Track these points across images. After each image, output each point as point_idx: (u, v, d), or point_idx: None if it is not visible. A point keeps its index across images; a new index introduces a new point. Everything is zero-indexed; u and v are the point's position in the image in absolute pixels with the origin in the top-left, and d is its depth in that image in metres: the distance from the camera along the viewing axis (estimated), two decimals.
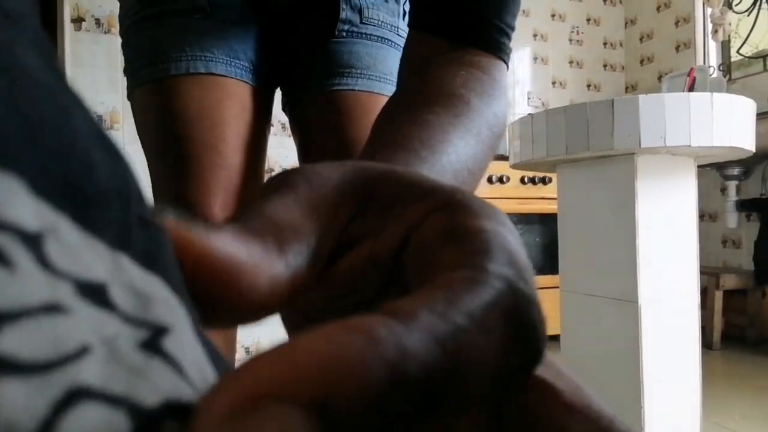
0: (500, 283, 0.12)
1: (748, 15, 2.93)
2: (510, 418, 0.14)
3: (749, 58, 3.02)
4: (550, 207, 2.57)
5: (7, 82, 0.08)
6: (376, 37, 0.74)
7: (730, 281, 2.48)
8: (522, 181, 2.59)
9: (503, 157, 2.58)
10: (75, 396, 0.08)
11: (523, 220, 2.62)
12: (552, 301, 2.55)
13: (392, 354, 0.10)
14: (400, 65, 0.47)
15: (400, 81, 0.46)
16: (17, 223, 0.08)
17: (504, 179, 2.55)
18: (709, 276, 2.48)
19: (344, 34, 0.72)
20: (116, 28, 1.78)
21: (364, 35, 0.73)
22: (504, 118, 0.41)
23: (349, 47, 0.72)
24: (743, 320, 2.58)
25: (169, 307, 0.10)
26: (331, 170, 0.18)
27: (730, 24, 2.84)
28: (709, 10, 2.91)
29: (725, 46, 3.15)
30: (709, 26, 2.96)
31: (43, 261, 0.08)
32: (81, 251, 0.09)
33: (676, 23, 3.34)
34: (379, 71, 0.73)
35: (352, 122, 0.71)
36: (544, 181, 2.62)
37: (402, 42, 0.70)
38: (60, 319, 0.08)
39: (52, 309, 0.08)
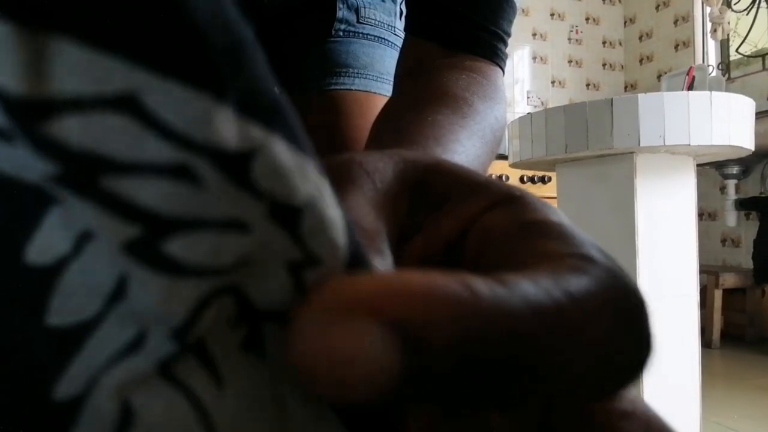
0: (605, 274, 0.11)
1: (747, 14, 2.93)
2: (562, 420, 0.14)
3: (748, 56, 3.02)
4: None
5: (216, 5, 0.08)
6: (373, 37, 0.74)
7: (729, 280, 2.48)
8: (521, 180, 2.59)
9: (503, 156, 2.58)
10: (222, 291, 0.09)
11: None
12: None
13: (488, 304, 0.09)
14: (397, 69, 0.47)
15: (397, 85, 0.46)
16: (216, 143, 0.08)
17: (503, 178, 2.56)
18: (709, 275, 2.48)
19: (341, 33, 0.72)
20: None
21: (361, 35, 0.73)
22: (504, 123, 0.41)
23: (346, 47, 0.72)
24: (742, 319, 2.58)
25: (333, 247, 0.10)
26: (384, 162, 0.17)
27: (729, 23, 2.84)
28: (708, 9, 2.91)
29: (724, 45, 3.15)
30: (708, 25, 2.96)
31: (242, 180, 0.09)
32: (290, 172, 0.09)
33: (675, 22, 3.34)
34: (376, 71, 0.73)
35: (349, 122, 0.71)
36: (543, 180, 2.62)
37: (399, 42, 0.69)
38: (235, 235, 0.09)
39: (233, 225, 0.09)
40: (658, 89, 3.24)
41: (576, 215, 1.54)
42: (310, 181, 0.10)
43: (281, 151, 0.09)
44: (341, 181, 0.17)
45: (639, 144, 1.27)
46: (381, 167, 0.17)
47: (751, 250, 2.58)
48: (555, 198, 1.64)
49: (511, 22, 0.44)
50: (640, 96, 1.26)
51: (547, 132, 1.43)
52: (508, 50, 0.46)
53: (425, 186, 0.17)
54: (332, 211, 0.10)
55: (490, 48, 0.43)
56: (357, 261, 0.11)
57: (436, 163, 0.18)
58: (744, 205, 2.70)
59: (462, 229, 0.16)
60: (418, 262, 0.17)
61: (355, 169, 0.17)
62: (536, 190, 2.61)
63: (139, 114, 0.08)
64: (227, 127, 0.08)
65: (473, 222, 0.16)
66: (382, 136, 0.36)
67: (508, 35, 0.45)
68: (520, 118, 1.54)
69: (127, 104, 0.08)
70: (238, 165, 0.09)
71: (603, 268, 0.12)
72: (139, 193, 0.08)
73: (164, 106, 0.08)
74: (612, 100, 1.29)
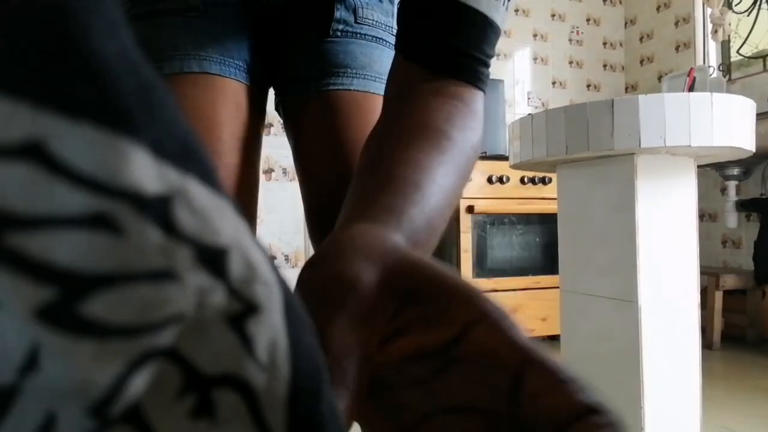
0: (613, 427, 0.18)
1: (748, 15, 2.93)
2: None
3: (749, 58, 3.02)
4: (550, 207, 2.57)
5: (123, 47, 0.08)
6: (370, 37, 0.74)
7: (729, 281, 2.48)
8: (522, 181, 2.59)
9: (503, 157, 2.58)
10: (150, 356, 0.08)
11: (523, 220, 2.62)
12: (552, 301, 2.55)
13: None
14: (386, 87, 0.49)
15: (386, 107, 0.49)
16: (135, 187, 0.08)
17: (504, 179, 2.55)
18: (709, 276, 2.48)
19: (339, 33, 0.73)
20: None
21: (358, 35, 0.73)
22: (479, 149, 0.46)
23: (344, 47, 0.73)
24: (743, 320, 2.58)
25: (268, 286, 0.10)
26: (370, 271, 0.22)
27: (729, 24, 2.84)
28: (708, 10, 2.91)
29: (725, 46, 3.15)
30: (709, 26, 2.95)
31: (167, 224, 0.08)
32: (210, 213, 0.09)
33: (676, 23, 3.34)
34: (374, 71, 0.74)
35: (348, 122, 0.71)
36: (544, 181, 2.62)
37: None
38: (165, 286, 0.08)
39: (162, 275, 0.08)
40: (658, 90, 3.23)
41: (577, 216, 1.53)
42: (230, 222, 0.09)
43: (198, 192, 0.09)
44: (328, 303, 0.21)
45: (639, 145, 1.27)
46: (365, 277, 0.22)
47: (752, 251, 2.58)
48: (555, 199, 1.64)
49: (494, 45, 0.48)
50: (641, 97, 1.26)
51: (548, 133, 1.42)
52: (509, 51, 0.47)
53: (414, 292, 0.22)
54: (256, 251, 0.10)
55: (473, 73, 0.46)
56: (291, 300, 0.10)
57: (423, 271, 0.22)
58: (745, 206, 2.70)
59: (455, 335, 0.21)
60: (414, 354, 0.22)
61: (339, 288, 0.22)
62: (537, 192, 2.61)
63: (46, 162, 0.07)
64: (145, 170, 0.08)
65: (467, 330, 0.21)
66: (370, 177, 0.40)
67: (491, 57, 0.48)
68: (520, 119, 1.54)
69: (33, 152, 0.07)
70: (159, 209, 0.08)
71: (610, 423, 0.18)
72: (51, 251, 0.07)
73: (75, 151, 0.07)
74: (613, 101, 1.29)
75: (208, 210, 0.09)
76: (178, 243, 0.08)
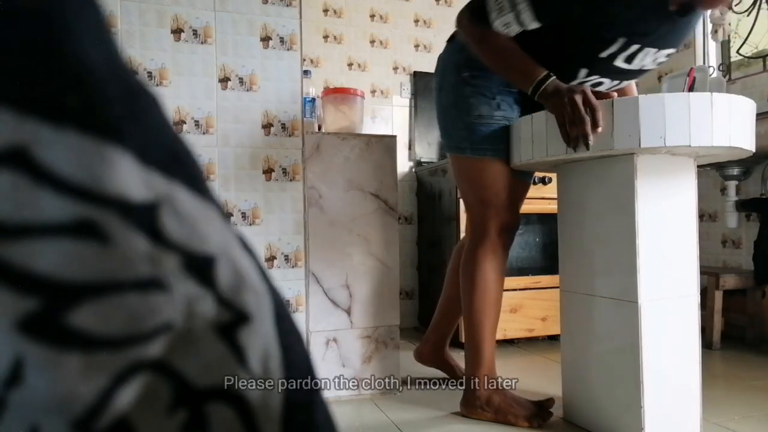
0: None
1: (748, 15, 2.93)
2: None
3: (749, 58, 3.02)
4: (550, 207, 2.56)
5: (109, 53, 0.08)
6: None
7: (729, 281, 2.48)
8: None
9: None
10: (137, 368, 0.08)
11: (523, 220, 2.62)
12: (552, 301, 2.54)
13: None
14: None
15: None
16: (121, 194, 0.07)
17: None
18: (709, 276, 2.48)
19: None
20: (212, 38, 1.78)
21: None
22: None
23: None
24: (743, 320, 2.58)
25: (257, 294, 0.10)
26: None
27: (729, 24, 2.84)
28: (708, 11, 2.91)
29: (725, 46, 3.15)
30: (709, 26, 2.95)
31: (154, 232, 0.08)
32: (197, 220, 0.08)
33: None
34: None
35: None
36: (544, 181, 2.62)
37: None
38: (153, 295, 0.08)
39: (149, 285, 0.08)
40: (658, 90, 3.23)
41: (577, 216, 1.53)
42: (218, 228, 0.09)
43: (185, 198, 0.08)
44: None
45: (640, 145, 1.27)
46: None
47: (752, 251, 2.58)
48: (555, 198, 1.64)
49: None
50: (641, 97, 1.26)
51: (548, 133, 1.42)
52: None
53: None
54: (244, 258, 0.09)
55: None
56: (281, 309, 0.10)
57: None
58: (744, 206, 2.69)
59: None
60: None
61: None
62: (537, 192, 2.61)
63: (30, 168, 0.06)
64: (131, 177, 0.07)
65: None
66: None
67: None
68: (520, 119, 1.54)
69: (17, 158, 0.06)
70: (146, 216, 0.07)
71: None
72: (35, 259, 0.06)
73: (60, 158, 0.06)
74: (613, 101, 1.29)
75: (195, 217, 0.09)
76: (165, 250, 0.08)
